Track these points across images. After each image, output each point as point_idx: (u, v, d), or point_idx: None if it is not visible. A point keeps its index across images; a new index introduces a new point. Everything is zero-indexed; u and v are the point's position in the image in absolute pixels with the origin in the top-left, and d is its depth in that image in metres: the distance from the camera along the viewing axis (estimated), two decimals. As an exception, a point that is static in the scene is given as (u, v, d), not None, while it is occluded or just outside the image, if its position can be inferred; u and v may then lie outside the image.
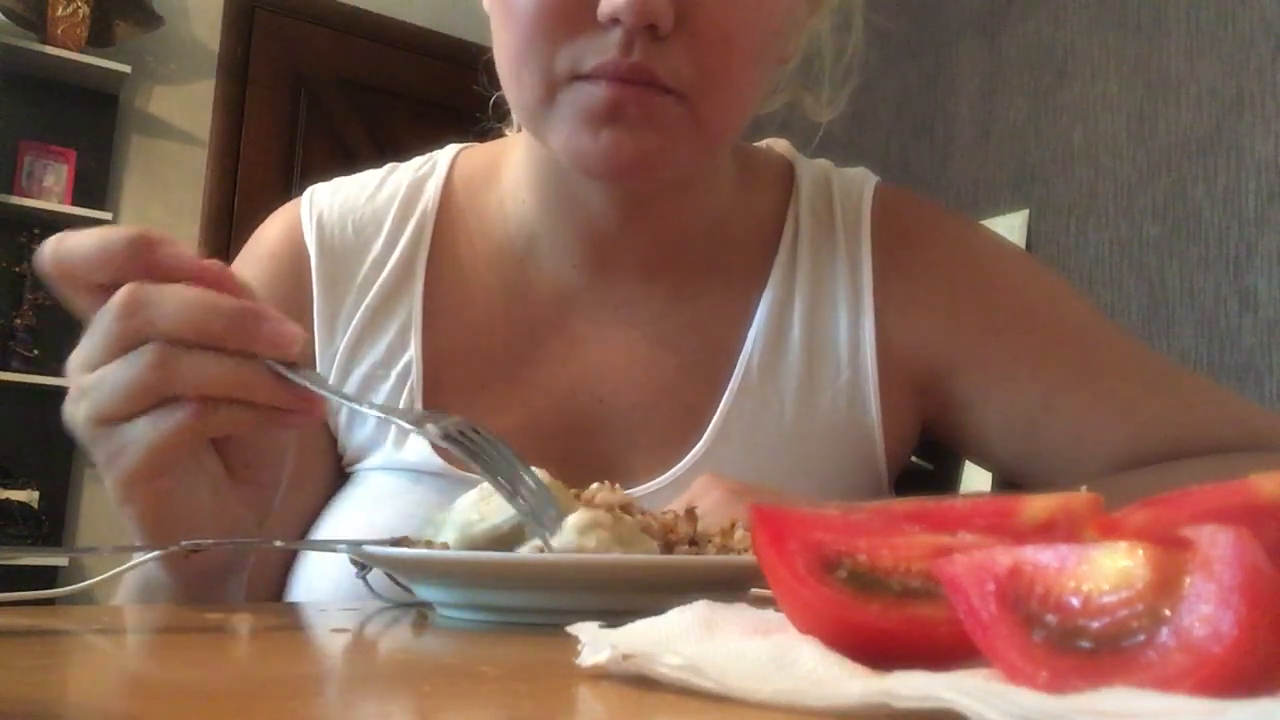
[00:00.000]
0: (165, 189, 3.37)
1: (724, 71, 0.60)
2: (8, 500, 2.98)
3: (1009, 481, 0.76)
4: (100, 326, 0.44)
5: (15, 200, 3.09)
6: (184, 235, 3.37)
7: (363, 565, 0.52)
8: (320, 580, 0.65)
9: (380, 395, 0.70)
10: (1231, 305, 2.16)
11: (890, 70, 2.97)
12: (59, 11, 3.14)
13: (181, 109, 3.44)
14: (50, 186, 3.18)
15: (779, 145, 0.82)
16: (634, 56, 0.57)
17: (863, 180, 0.78)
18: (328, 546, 0.54)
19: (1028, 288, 0.75)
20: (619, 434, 0.70)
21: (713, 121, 0.62)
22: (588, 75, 0.58)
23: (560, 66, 0.59)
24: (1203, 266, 2.22)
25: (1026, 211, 2.59)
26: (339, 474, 0.72)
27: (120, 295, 0.44)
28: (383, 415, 0.49)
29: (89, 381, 0.45)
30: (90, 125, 3.28)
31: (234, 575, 0.54)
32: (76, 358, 0.46)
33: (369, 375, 0.70)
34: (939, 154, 2.86)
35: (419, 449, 0.68)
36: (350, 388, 0.70)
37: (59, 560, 2.89)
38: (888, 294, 0.73)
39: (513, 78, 0.63)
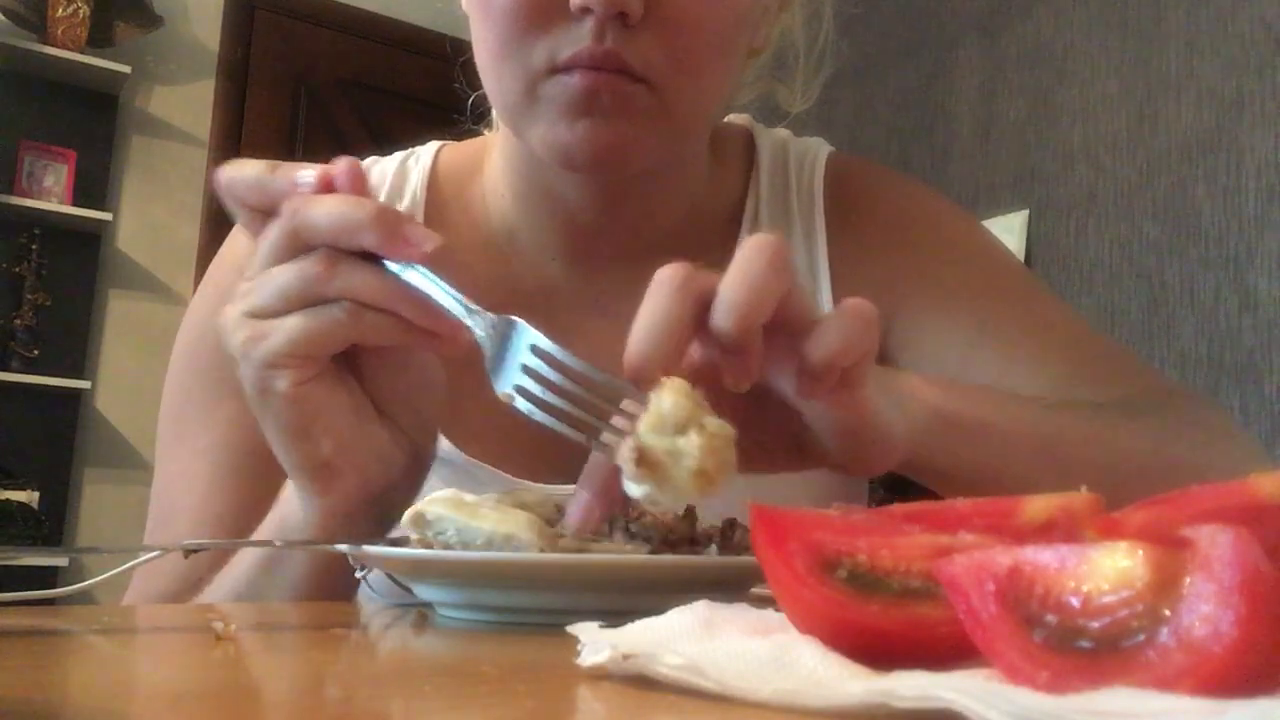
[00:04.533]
0: (165, 189, 3.37)
1: (692, 59, 0.61)
2: (8, 500, 2.99)
3: None
4: (264, 239, 0.49)
5: (15, 200, 3.09)
6: (184, 235, 3.37)
7: (363, 565, 0.52)
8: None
9: None
10: (1231, 305, 2.16)
11: (890, 70, 2.97)
12: (59, 11, 3.15)
13: (181, 109, 3.45)
14: (50, 186, 3.19)
15: (739, 119, 0.83)
16: (606, 44, 0.58)
17: (817, 149, 0.79)
18: (327, 547, 0.54)
19: (968, 236, 0.78)
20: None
21: (682, 109, 0.63)
22: (564, 67, 0.59)
23: (538, 60, 0.60)
24: (1203, 266, 2.22)
25: (1026, 211, 2.59)
26: None
27: (281, 213, 0.48)
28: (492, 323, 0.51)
29: (252, 283, 0.49)
30: (90, 125, 3.29)
31: (378, 507, 0.55)
32: (246, 272, 0.50)
33: None
34: (939, 154, 2.86)
35: None
36: None
37: (59, 560, 2.89)
38: (841, 255, 0.75)
39: (493, 74, 0.64)
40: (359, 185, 0.50)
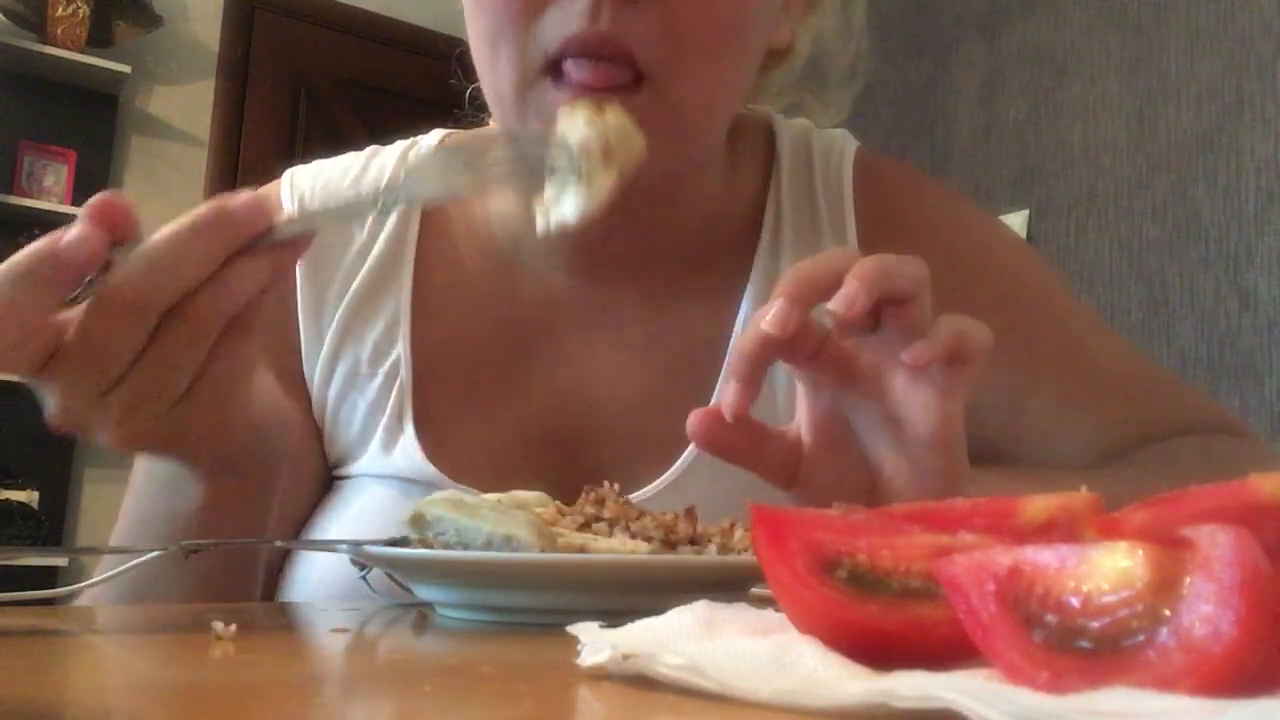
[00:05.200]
0: (165, 189, 3.37)
1: (697, 46, 0.57)
2: (8, 500, 2.98)
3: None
4: (91, 333, 0.41)
5: (15, 200, 3.09)
6: (184, 235, 3.37)
7: (363, 565, 0.52)
8: (317, 583, 0.64)
9: (366, 394, 0.67)
10: (1231, 305, 2.16)
11: (890, 70, 2.97)
12: (59, 11, 3.15)
13: (181, 109, 3.45)
14: (50, 186, 3.18)
15: (758, 109, 0.78)
16: (602, 24, 0.55)
17: (843, 145, 0.74)
18: (328, 546, 0.54)
19: (1015, 266, 0.74)
20: (612, 440, 0.68)
21: (688, 106, 0.59)
22: (558, 54, 0.56)
23: (533, 48, 0.57)
24: (1203, 266, 2.22)
25: (1026, 211, 2.59)
26: (328, 478, 0.70)
27: (106, 304, 0.41)
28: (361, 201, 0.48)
29: (133, 391, 0.43)
30: (90, 125, 3.28)
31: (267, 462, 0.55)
32: (86, 389, 0.43)
33: (353, 371, 0.68)
34: (939, 154, 2.86)
35: (408, 454, 0.65)
36: (335, 381, 0.68)
37: (59, 560, 2.89)
38: None
39: (488, 65, 0.61)
40: (125, 214, 0.42)
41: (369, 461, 0.67)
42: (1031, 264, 0.75)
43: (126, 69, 3.22)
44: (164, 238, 0.42)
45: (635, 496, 0.65)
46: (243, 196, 0.43)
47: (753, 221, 0.72)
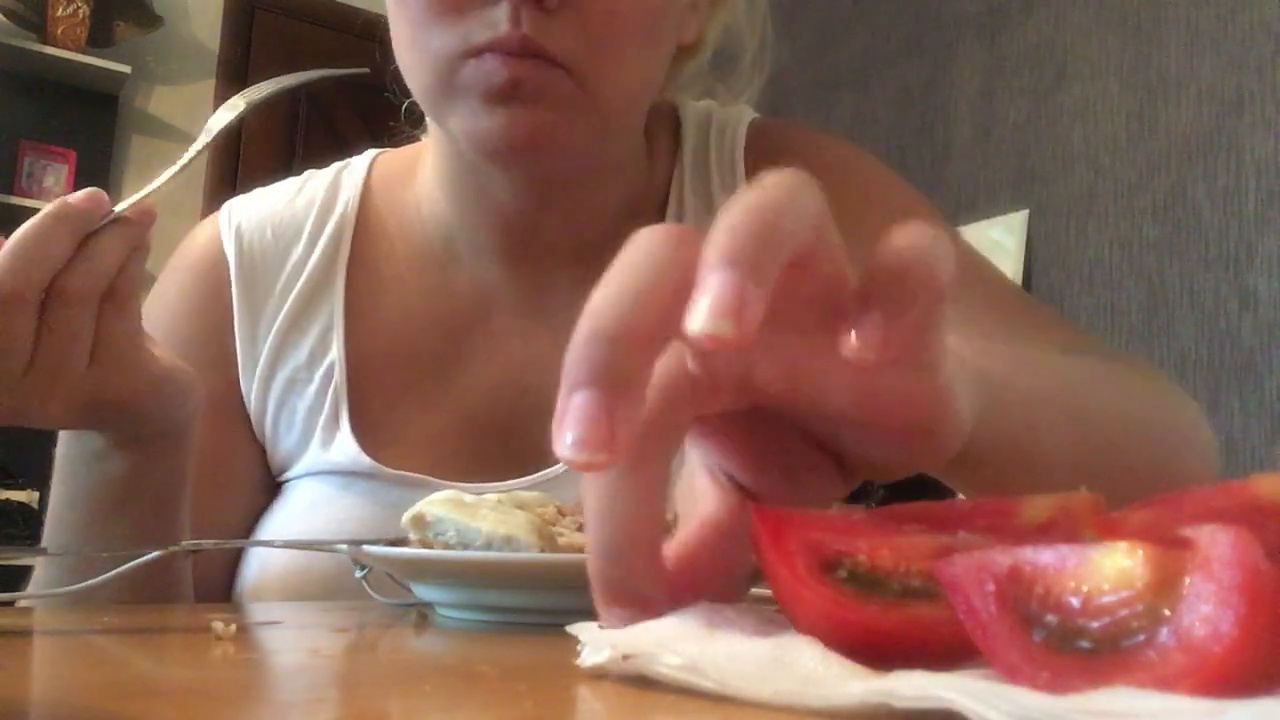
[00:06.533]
0: (165, 189, 3.37)
1: (611, 43, 0.61)
2: (8, 500, 2.98)
3: None
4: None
5: (15, 200, 3.09)
6: (183, 235, 3.37)
7: (363, 565, 0.52)
8: (267, 578, 0.65)
9: (304, 398, 0.70)
10: (1231, 305, 2.16)
11: (890, 70, 2.97)
12: (59, 11, 3.15)
13: (181, 109, 3.45)
14: (50, 186, 3.19)
15: (671, 100, 0.81)
16: (523, 28, 0.57)
17: (739, 118, 0.77)
18: (327, 546, 0.54)
19: (891, 191, 0.74)
20: (548, 423, 0.69)
21: (604, 93, 0.62)
22: (478, 51, 0.59)
23: (452, 44, 0.60)
24: (1203, 266, 2.22)
25: (1026, 211, 2.59)
26: (271, 484, 0.72)
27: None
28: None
29: (42, 371, 0.50)
30: (90, 125, 3.29)
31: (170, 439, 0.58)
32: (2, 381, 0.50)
33: (291, 379, 0.71)
34: (939, 154, 2.86)
35: (344, 448, 0.68)
36: (274, 391, 0.71)
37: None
38: None
39: (409, 61, 0.64)
40: None
41: (309, 460, 0.70)
42: (911, 196, 0.75)
43: (126, 69, 3.22)
44: (17, 236, 0.48)
45: (555, 471, 0.67)
46: (80, 191, 0.51)
47: (663, 197, 0.75)
